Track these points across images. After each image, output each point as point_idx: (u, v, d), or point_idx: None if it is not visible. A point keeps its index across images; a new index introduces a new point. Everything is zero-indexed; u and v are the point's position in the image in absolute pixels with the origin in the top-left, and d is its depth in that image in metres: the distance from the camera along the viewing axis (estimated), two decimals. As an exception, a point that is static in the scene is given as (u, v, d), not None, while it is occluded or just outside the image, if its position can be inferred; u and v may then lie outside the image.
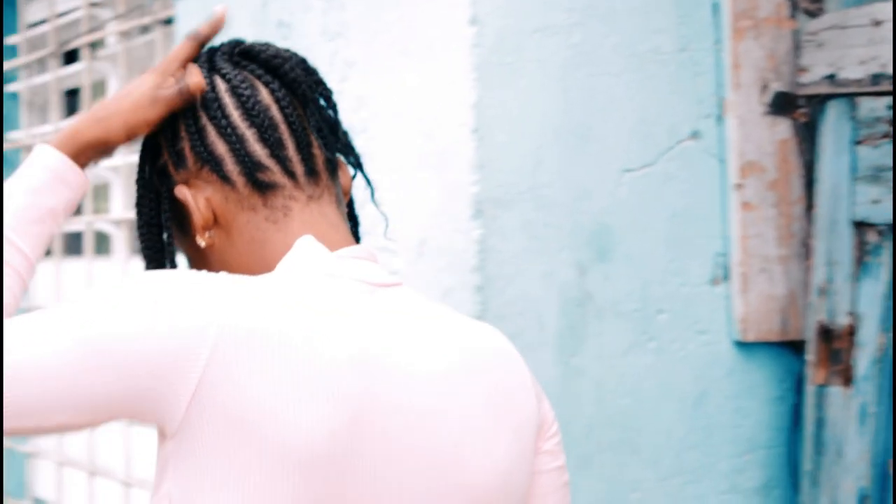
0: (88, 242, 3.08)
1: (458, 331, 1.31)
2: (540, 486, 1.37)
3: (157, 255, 1.39)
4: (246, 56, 1.37)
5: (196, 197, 1.33)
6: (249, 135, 1.32)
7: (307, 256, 1.28)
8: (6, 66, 3.39)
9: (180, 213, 1.36)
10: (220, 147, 1.32)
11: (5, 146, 3.45)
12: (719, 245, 2.03)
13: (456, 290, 1.87)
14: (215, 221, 1.33)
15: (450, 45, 1.88)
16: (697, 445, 2.01)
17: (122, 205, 2.98)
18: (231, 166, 1.32)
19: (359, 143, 2.04)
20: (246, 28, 2.30)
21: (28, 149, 3.40)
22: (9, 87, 3.46)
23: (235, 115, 1.33)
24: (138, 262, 2.99)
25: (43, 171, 1.35)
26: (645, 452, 1.96)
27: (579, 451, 1.91)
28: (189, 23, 2.50)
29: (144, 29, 3.02)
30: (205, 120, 1.33)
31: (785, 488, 2.08)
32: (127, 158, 2.90)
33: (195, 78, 1.35)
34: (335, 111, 1.40)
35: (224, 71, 1.35)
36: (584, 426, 1.91)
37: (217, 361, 1.13)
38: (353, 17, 2.05)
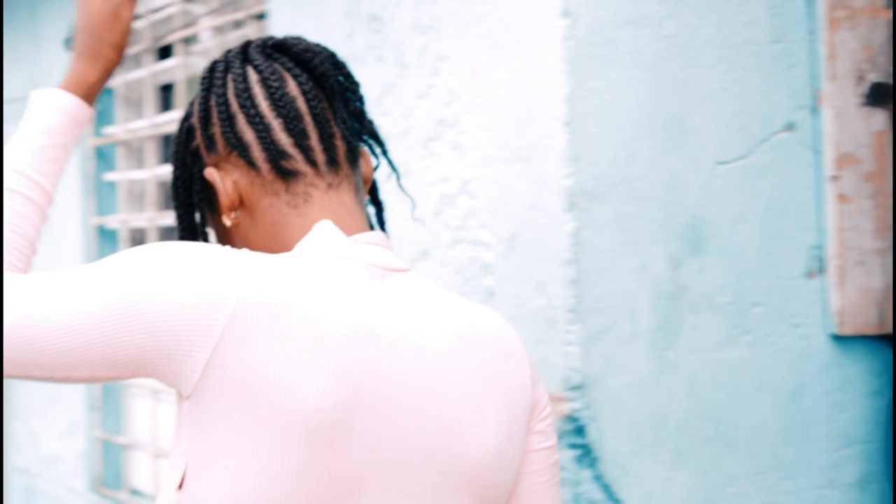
0: (183, 236, 3.15)
1: (460, 313, 1.40)
2: (531, 463, 1.44)
3: (190, 235, 1.50)
4: (278, 49, 1.47)
5: (224, 179, 1.43)
6: (276, 124, 1.42)
7: (324, 239, 1.38)
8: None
9: (210, 194, 1.46)
10: (249, 134, 1.42)
11: (102, 141, 3.52)
12: (814, 237, 2.02)
13: (549, 283, 1.89)
14: (241, 203, 1.43)
15: (542, 38, 1.89)
16: (793, 440, 2.00)
17: (216, 199, 3.04)
18: (257, 153, 1.42)
19: (450, 137, 2.07)
20: (338, 21, 2.33)
21: (125, 144, 3.48)
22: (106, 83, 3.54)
23: (264, 105, 1.42)
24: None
25: (58, 112, 1.48)
26: (740, 446, 1.97)
27: (673, 445, 1.91)
28: (282, 17, 2.54)
29: (237, 24, 3.06)
30: (235, 108, 1.43)
31: (882, 483, 2.07)
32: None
33: None
34: (362, 103, 1.49)
35: (256, 62, 1.45)
36: (678, 420, 1.92)
37: (233, 330, 1.22)
38: (444, 10, 2.07)
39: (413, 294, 1.39)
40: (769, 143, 1.99)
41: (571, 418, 1.88)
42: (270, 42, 1.47)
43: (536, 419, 1.44)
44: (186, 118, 1.49)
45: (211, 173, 1.43)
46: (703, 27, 1.94)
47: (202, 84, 1.47)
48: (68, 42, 3.55)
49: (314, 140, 1.43)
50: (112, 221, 3.49)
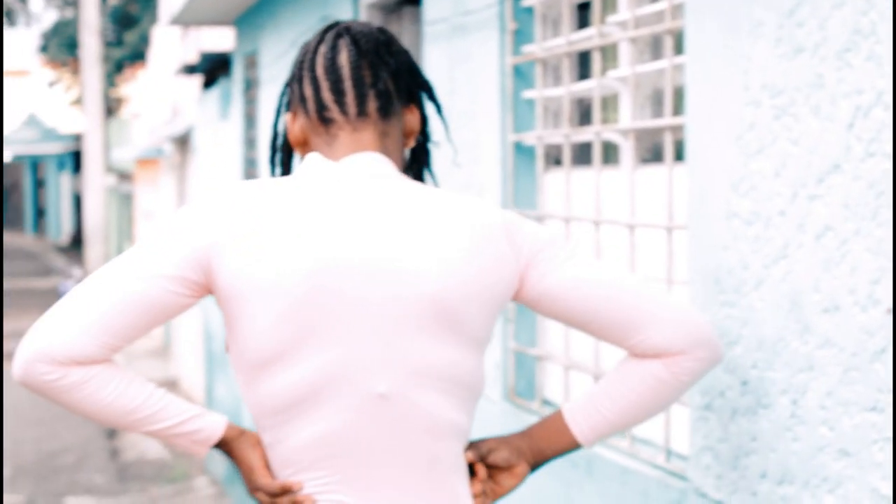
0: (597, 153, 3.29)
1: (431, 198, 2.08)
2: (550, 286, 2.10)
3: (283, 162, 2.27)
4: (346, 31, 2.15)
5: (293, 123, 2.19)
6: (325, 85, 2.13)
7: (307, 165, 2.12)
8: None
9: None
10: (308, 91, 2.15)
11: (520, 59, 3.72)
12: None
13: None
14: (307, 142, 2.17)
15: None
16: None
17: (631, 115, 3.15)
18: (311, 105, 2.14)
19: (866, 47, 2.09)
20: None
21: (542, 62, 3.65)
22: (525, 2, 3.72)
23: (320, 70, 2.13)
24: (644, 172, 3.18)
25: (194, 431, 2.12)
26: None
27: None
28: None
29: (653, -61, 3.15)
30: (305, 72, 2.15)
31: None
32: (635, 69, 3.07)
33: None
34: (401, 70, 2.16)
35: (326, 40, 2.15)
36: None
37: (223, 251, 2.02)
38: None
39: (391, 190, 2.08)
40: None
41: None
42: (343, 26, 2.16)
43: (532, 253, 2.09)
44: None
45: (287, 118, 2.21)
46: None
47: (296, 56, 2.18)
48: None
49: (350, 96, 2.12)
50: (529, 138, 3.69)
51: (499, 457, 2.17)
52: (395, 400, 2.04)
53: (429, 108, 2.26)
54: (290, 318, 2.01)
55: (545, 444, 2.20)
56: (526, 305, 2.15)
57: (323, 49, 2.14)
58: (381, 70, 2.13)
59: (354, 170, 2.09)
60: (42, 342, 1.99)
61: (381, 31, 2.17)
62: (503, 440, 2.20)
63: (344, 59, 2.12)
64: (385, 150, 2.12)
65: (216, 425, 2.12)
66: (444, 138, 3.03)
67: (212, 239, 2.03)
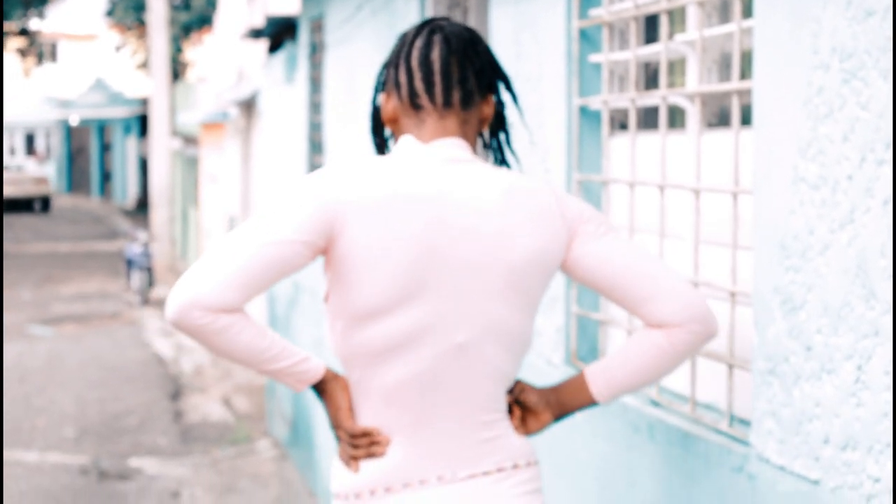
0: (663, 117, 3.28)
1: (503, 179, 2.50)
2: (591, 251, 2.50)
3: (378, 137, 2.66)
4: (440, 29, 2.53)
5: (386, 103, 2.58)
6: (418, 76, 2.51)
7: (404, 147, 2.52)
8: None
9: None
10: (403, 78, 2.54)
11: (586, 23, 3.72)
12: None
13: None
14: (397, 121, 2.56)
15: None
16: None
17: (698, 79, 3.14)
18: (404, 91, 2.54)
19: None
20: None
21: (608, 25, 3.65)
22: (591, -35, 3.71)
23: (415, 62, 2.52)
24: (711, 137, 3.17)
25: (303, 371, 2.50)
26: None
27: None
28: None
29: None
30: (401, 61, 2.54)
31: None
32: (703, 32, 3.06)
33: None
34: (483, 67, 2.56)
35: (421, 35, 2.53)
36: None
37: (342, 219, 2.39)
38: None
39: (471, 171, 2.48)
40: None
41: None
42: (437, 24, 2.53)
43: (579, 223, 2.51)
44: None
45: (380, 97, 2.61)
46: None
47: (395, 44, 2.56)
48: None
49: (438, 88, 2.51)
50: (595, 102, 3.69)
51: (529, 398, 2.61)
52: (469, 349, 2.47)
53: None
54: (402, 277, 2.40)
55: (568, 399, 2.62)
56: (560, 270, 2.55)
57: (418, 43, 2.53)
58: (467, 67, 2.52)
59: (443, 153, 2.49)
60: (195, 291, 2.32)
61: (469, 30, 2.55)
62: (533, 387, 2.63)
63: (436, 54, 2.51)
64: (464, 135, 2.54)
65: (318, 367, 2.51)
66: (519, 121, 3.63)
67: (338, 206, 2.39)
